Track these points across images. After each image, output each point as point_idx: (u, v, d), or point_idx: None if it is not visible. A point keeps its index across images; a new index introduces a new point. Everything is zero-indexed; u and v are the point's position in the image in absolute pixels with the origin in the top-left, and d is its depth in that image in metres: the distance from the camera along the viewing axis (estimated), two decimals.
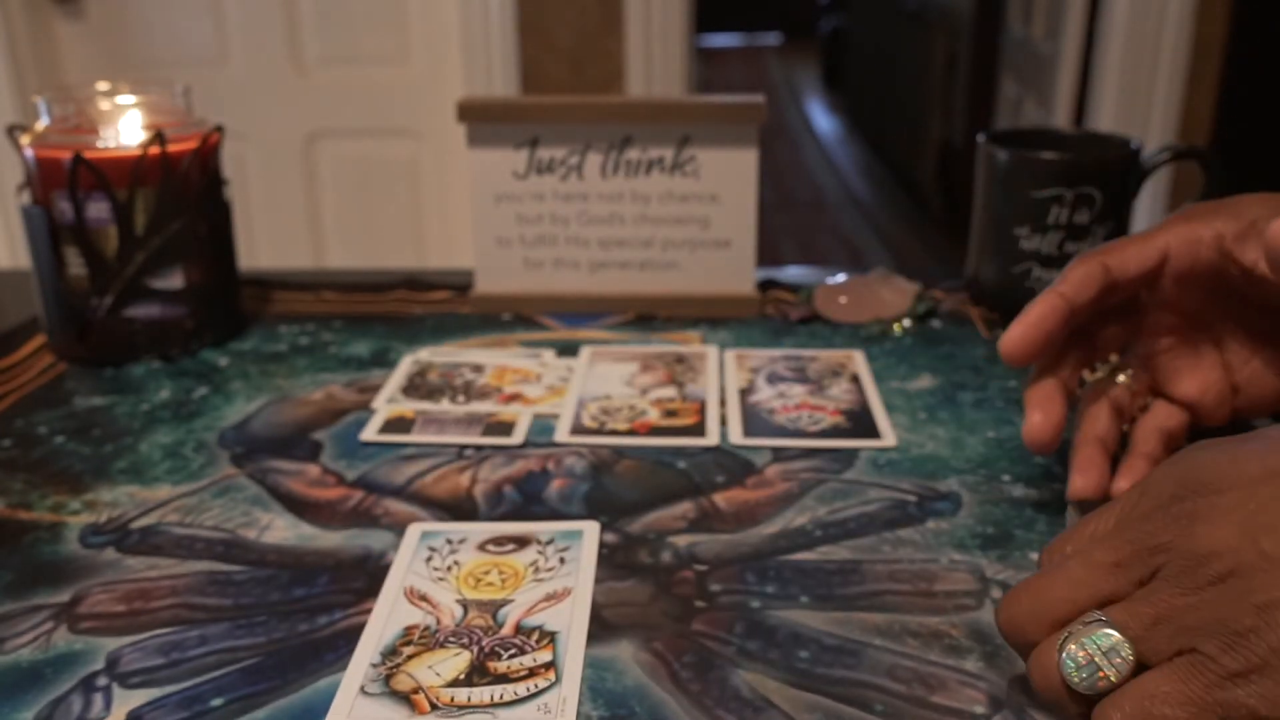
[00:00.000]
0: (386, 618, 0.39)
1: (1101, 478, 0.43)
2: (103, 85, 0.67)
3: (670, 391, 0.59)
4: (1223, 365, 0.46)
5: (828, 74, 6.14)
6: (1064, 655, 0.31)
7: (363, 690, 0.36)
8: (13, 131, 0.64)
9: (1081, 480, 0.43)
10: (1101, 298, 0.43)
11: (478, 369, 0.62)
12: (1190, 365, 0.46)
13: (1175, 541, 0.30)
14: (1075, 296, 0.43)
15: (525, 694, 0.35)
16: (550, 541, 0.44)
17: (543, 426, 0.55)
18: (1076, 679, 0.31)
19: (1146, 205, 1.89)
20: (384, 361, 0.64)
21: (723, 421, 0.55)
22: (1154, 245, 0.44)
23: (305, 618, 0.40)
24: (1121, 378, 0.46)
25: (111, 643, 0.39)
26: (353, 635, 0.39)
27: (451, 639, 0.38)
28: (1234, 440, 0.32)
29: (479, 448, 0.53)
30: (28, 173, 0.63)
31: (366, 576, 0.43)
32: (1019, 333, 0.43)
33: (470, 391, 0.59)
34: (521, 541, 0.44)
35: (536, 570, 0.42)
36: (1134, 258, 0.44)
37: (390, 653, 0.37)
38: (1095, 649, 0.31)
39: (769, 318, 0.70)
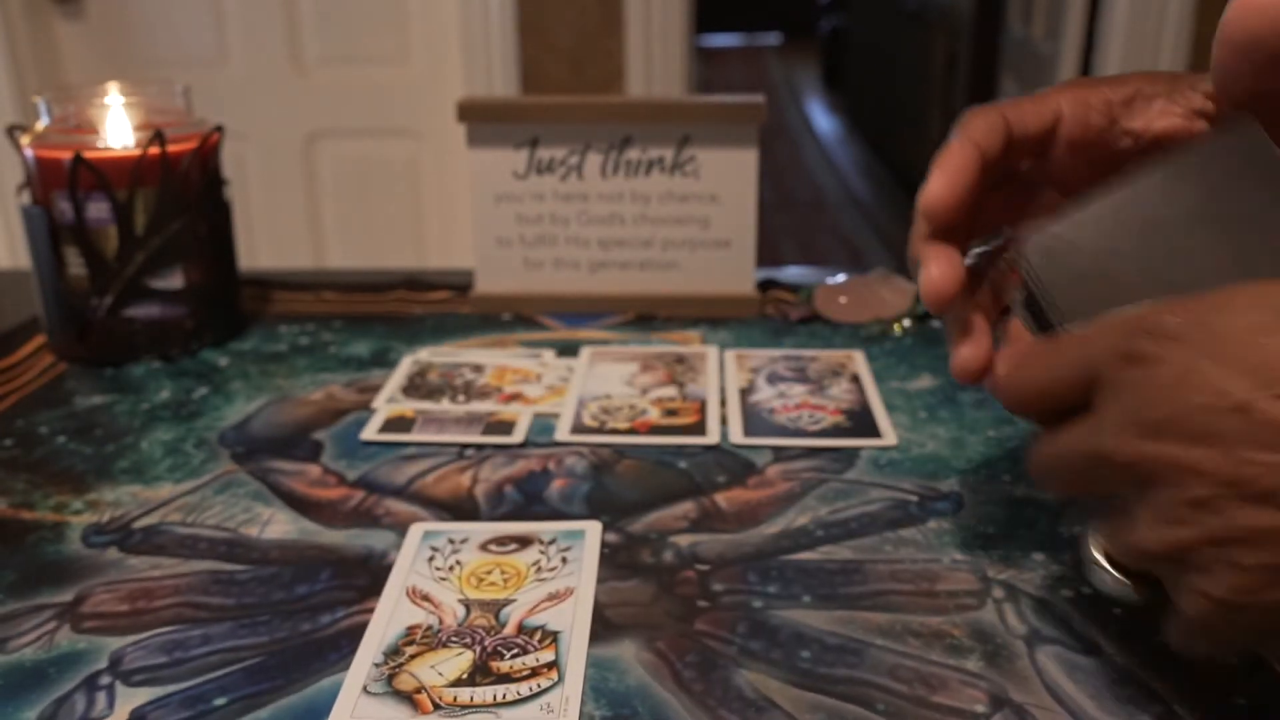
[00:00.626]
0: (389, 617, 0.39)
1: (989, 349, 0.40)
2: (103, 85, 0.67)
3: (670, 391, 0.59)
4: None
5: (828, 74, 6.14)
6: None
7: (366, 690, 0.36)
8: (13, 131, 0.64)
9: (969, 350, 0.39)
10: (1005, 154, 0.40)
11: (478, 369, 0.62)
12: None
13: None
14: (986, 145, 0.39)
15: (528, 694, 0.35)
16: (552, 541, 0.44)
17: (543, 426, 0.55)
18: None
19: None
20: (384, 361, 0.64)
21: (723, 421, 0.55)
22: (1049, 105, 0.41)
23: (308, 616, 0.40)
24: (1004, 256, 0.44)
25: (115, 642, 0.39)
26: (355, 634, 0.39)
27: (454, 639, 0.38)
28: None
29: (479, 447, 0.53)
30: (28, 173, 0.63)
31: (369, 575, 0.43)
32: (942, 184, 0.39)
33: (470, 391, 0.59)
34: (523, 541, 0.44)
35: (539, 570, 0.42)
36: (1031, 114, 0.41)
37: (393, 652, 0.37)
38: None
39: (769, 318, 0.70)
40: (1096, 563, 0.33)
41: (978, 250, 0.43)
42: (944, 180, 0.38)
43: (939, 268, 0.38)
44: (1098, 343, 0.31)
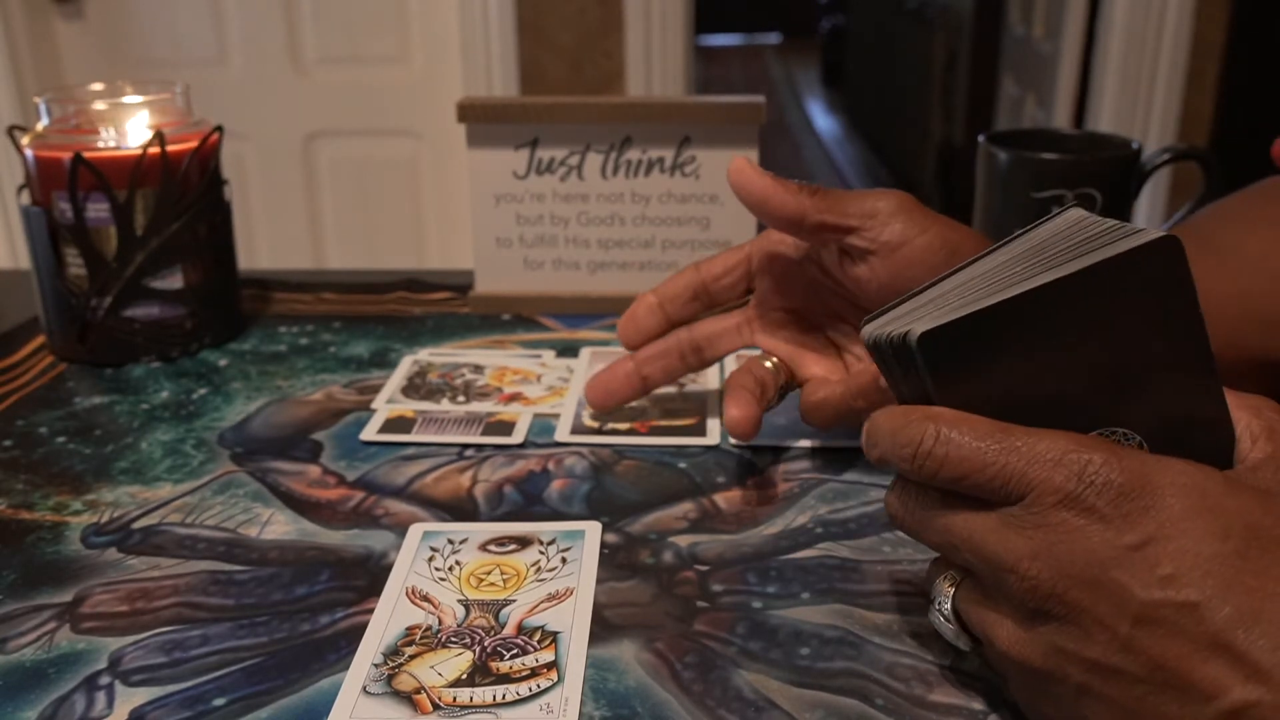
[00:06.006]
0: (388, 618, 0.39)
1: (757, 409, 0.49)
2: (102, 85, 0.67)
3: (670, 391, 0.59)
4: (835, 347, 0.53)
5: (827, 73, 6.14)
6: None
7: (365, 690, 0.36)
8: (13, 132, 0.64)
9: (738, 411, 0.49)
10: (696, 295, 0.53)
11: (478, 369, 0.62)
12: (809, 350, 0.53)
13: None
14: (665, 292, 0.53)
15: (527, 694, 0.35)
16: (552, 542, 0.44)
17: (543, 426, 0.55)
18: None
19: (1146, 206, 1.90)
20: (384, 362, 0.64)
21: (723, 422, 0.55)
22: (740, 251, 0.53)
23: (307, 617, 0.40)
24: (769, 363, 0.52)
25: (114, 642, 0.39)
26: (355, 635, 0.39)
27: (453, 639, 0.38)
28: None
29: (479, 447, 0.53)
30: (28, 173, 0.63)
31: (368, 575, 0.43)
32: (620, 324, 0.54)
33: (470, 391, 0.59)
34: (523, 542, 0.44)
35: (538, 570, 0.42)
36: (720, 261, 0.53)
37: (392, 653, 0.37)
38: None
39: None
40: (939, 605, 0.34)
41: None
42: (621, 322, 0.54)
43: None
44: (1040, 469, 0.30)
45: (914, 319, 0.32)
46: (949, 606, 0.34)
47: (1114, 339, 0.31)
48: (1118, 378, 0.32)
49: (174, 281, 0.63)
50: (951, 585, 0.34)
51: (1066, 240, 0.32)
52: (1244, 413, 0.33)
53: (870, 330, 0.34)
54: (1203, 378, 0.32)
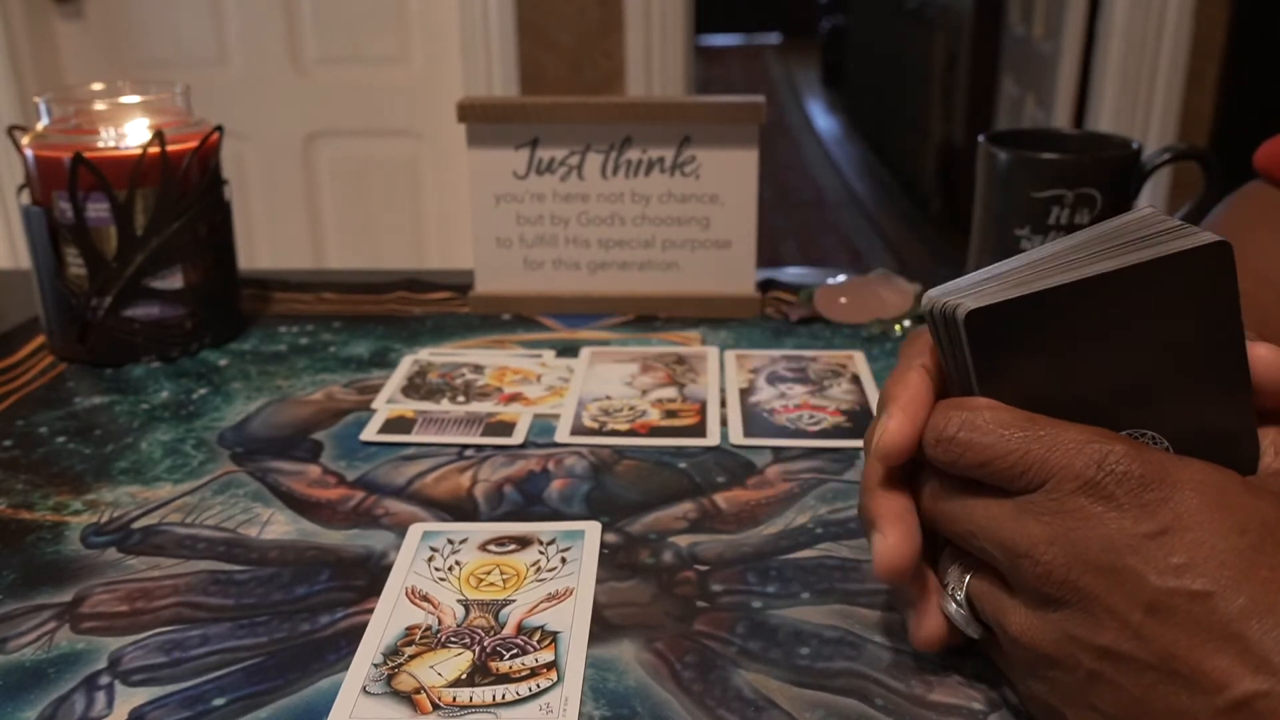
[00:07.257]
0: (388, 618, 0.39)
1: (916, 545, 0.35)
2: (102, 85, 0.67)
3: (670, 392, 0.59)
4: None
5: (827, 73, 6.14)
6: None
7: (365, 690, 0.36)
8: (13, 132, 0.64)
9: (895, 542, 0.34)
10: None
11: (478, 369, 0.62)
12: None
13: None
14: (935, 367, 0.35)
15: (527, 694, 0.35)
16: (552, 542, 0.44)
17: (543, 427, 0.55)
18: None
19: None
20: (384, 362, 0.64)
21: (723, 422, 0.55)
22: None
23: (307, 617, 0.40)
24: None
25: (114, 642, 0.39)
26: (354, 635, 0.39)
27: (453, 639, 0.38)
28: None
29: (479, 448, 0.53)
30: (28, 173, 0.63)
31: (368, 575, 0.43)
32: (903, 422, 0.34)
33: (470, 392, 0.59)
34: (523, 542, 0.44)
35: (538, 570, 0.42)
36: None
37: (392, 653, 0.37)
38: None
39: (769, 318, 0.70)
40: (952, 592, 0.34)
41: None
42: (905, 418, 0.34)
43: (895, 535, 0.34)
44: (1060, 456, 0.30)
45: (968, 295, 0.32)
46: (962, 594, 0.34)
47: (1155, 338, 0.31)
48: (1154, 378, 0.32)
49: (174, 281, 0.63)
50: (965, 573, 0.34)
51: (1128, 235, 0.32)
52: (1266, 424, 0.33)
53: (928, 298, 0.34)
54: (1235, 388, 0.32)
